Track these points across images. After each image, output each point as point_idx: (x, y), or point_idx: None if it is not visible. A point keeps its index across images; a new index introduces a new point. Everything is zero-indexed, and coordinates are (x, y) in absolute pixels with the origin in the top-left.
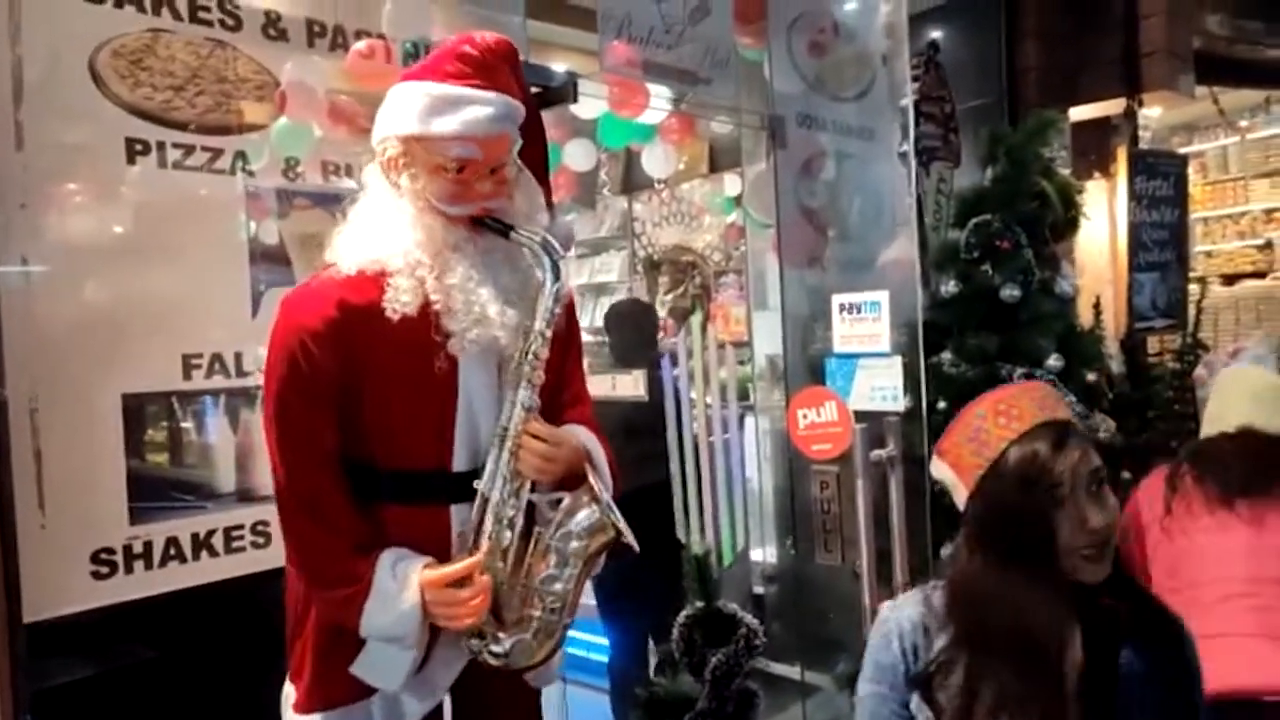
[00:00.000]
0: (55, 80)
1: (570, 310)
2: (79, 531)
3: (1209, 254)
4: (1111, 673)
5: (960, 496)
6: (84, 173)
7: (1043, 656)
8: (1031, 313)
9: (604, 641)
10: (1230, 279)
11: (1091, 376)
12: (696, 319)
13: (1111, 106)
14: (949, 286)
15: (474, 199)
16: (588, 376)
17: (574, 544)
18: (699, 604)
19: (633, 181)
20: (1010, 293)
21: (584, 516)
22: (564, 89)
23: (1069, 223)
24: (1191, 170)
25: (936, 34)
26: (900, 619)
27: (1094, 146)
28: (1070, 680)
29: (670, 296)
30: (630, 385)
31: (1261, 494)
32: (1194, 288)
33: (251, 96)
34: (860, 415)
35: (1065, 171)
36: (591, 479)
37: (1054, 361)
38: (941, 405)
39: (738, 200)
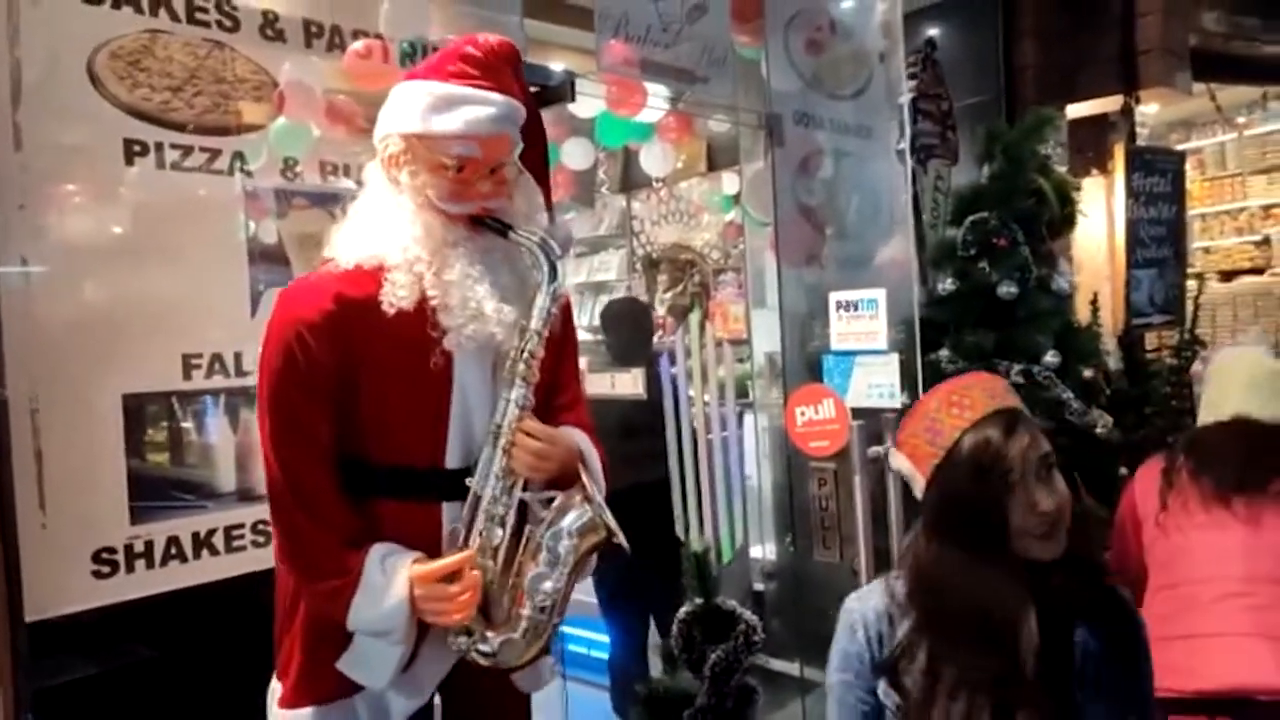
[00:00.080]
0: (53, 81)
1: (566, 314)
2: (80, 531)
3: (1207, 250)
4: (1067, 651)
5: (918, 486)
6: (82, 173)
7: (999, 636)
8: (1028, 310)
9: (604, 639)
10: (1228, 275)
11: (1089, 373)
12: (695, 317)
13: (1109, 103)
14: (946, 284)
15: (473, 198)
16: (586, 375)
17: (565, 543)
18: (698, 601)
19: (631, 180)
20: (1007, 290)
21: (576, 516)
22: (562, 88)
23: (1065, 220)
24: (1189, 167)
25: (934, 32)
26: (864, 609)
27: (1092, 143)
28: (1027, 658)
29: (669, 295)
30: (629, 383)
31: (1258, 491)
32: (1191, 284)
33: (249, 97)
34: (858, 412)
35: (1062, 169)
36: (584, 479)
37: (1051, 358)
38: None
39: (736, 198)
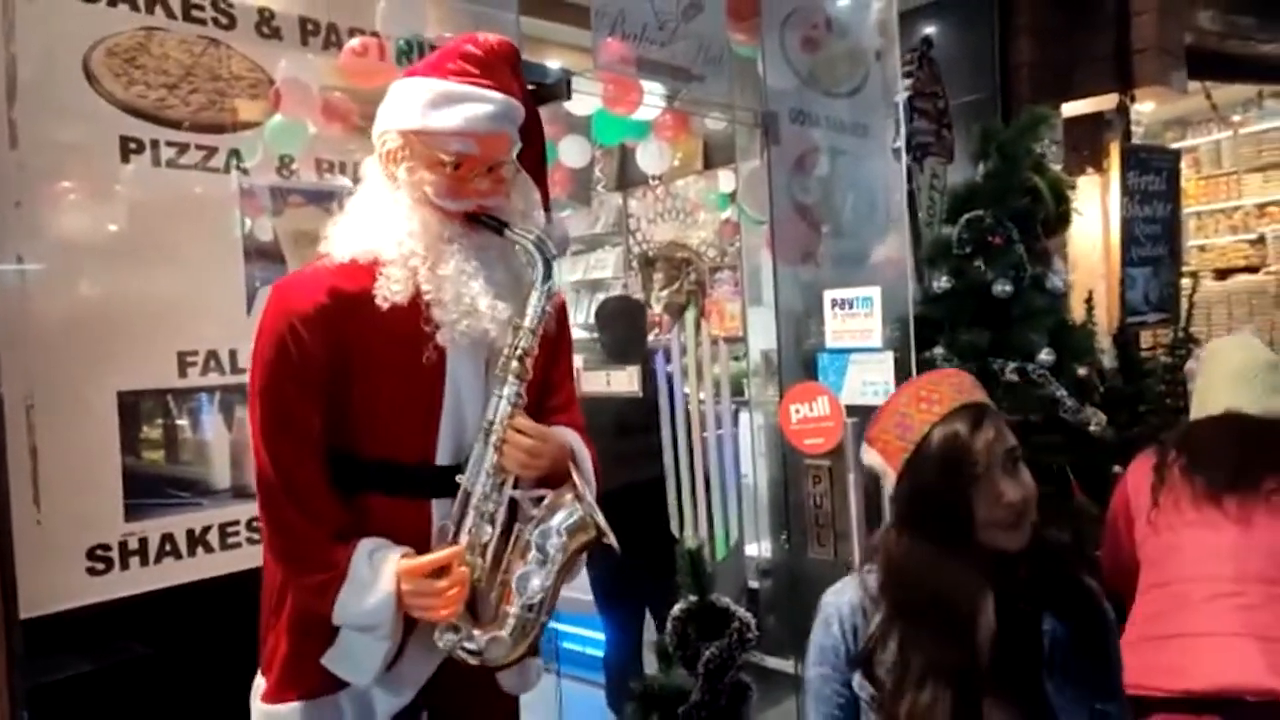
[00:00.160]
0: (49, 79)
1: (562, 315)
2: (75, 528)
3: (1202, 249)
4: (1035, 639)
5: (889, 481)
6: (78, 171)
7: (958, 624)
8: (1023, 308)
9: (599, 636)
10: (1223, 273)
11: (1083, 371)
12: (691, 315)
13: (1104, 102)
14: (941, 282)
15: (470, 195)
16: (582, 372)
17: (554, 542)
18: (693, 598)
19: (627, 178)
20: (1002, 288)
21: (565, 515)
22: (558, 86)
23: (1060, 218)
24: (1184, 165)
25: (930, 30)
26: (839, 603)
27: (1087, 142)
28: (983, 647)
29: (665, 292)
30: (624, 381)
31: (1250, 490)
32: (1186, 282)
33: (245, 94)
34: (852, 410)
35: (1057, 167)
36: (575, 477)
37: (1046, 356)
38: None
39: (732, 196)
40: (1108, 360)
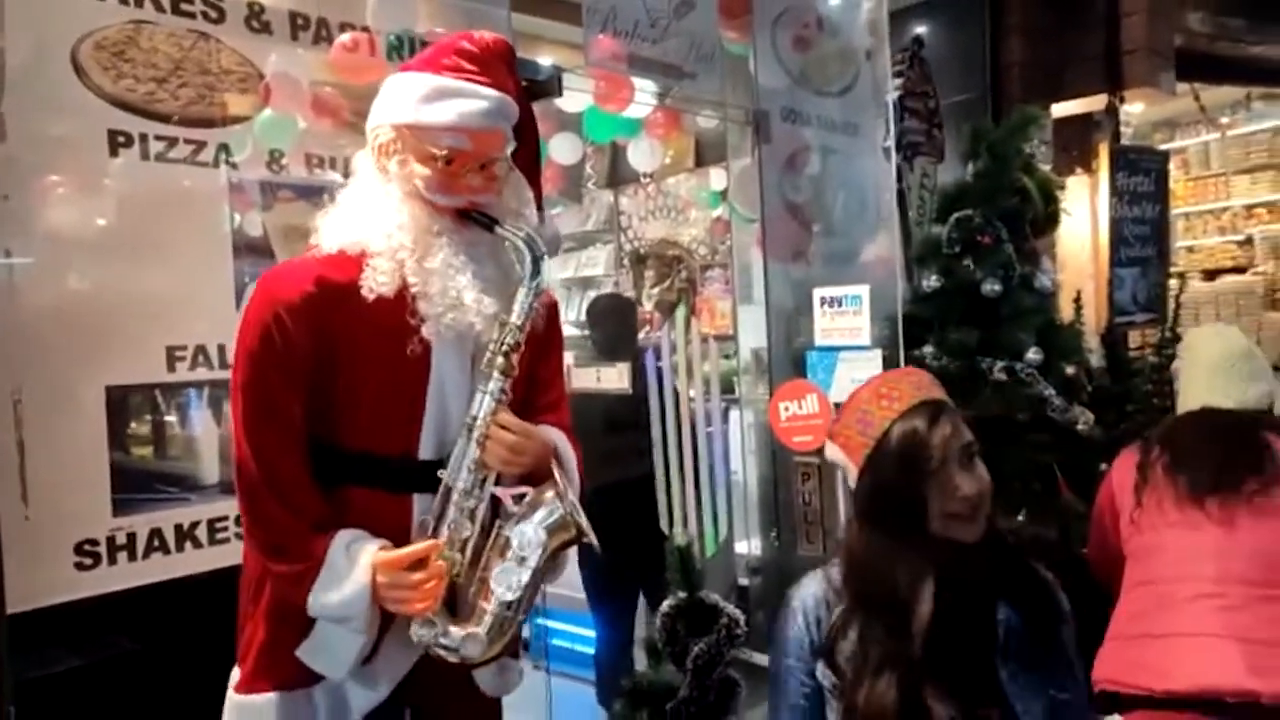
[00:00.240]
0: (38, 72)
1: (553, 314)
2: (62, 523)
3: (1190, 249)
4: (990, 629)
5: (851, 476)
6: (67, 165)
7: (901, 613)
8: (1012, 307)
9: (588, 633)
10: (1211, 274)
11: (1071, 370)
12: (681, 312)
13: (1094, 102)
14: (931, 280)
15: (461, 191)
16: (572, 369)
17: (533, 539)
18: (681, 594)
19: (619, 175)
20: (991, 287)
21: (546, 513)
22: (549, 83)
23: (1049, 218)
24: (1173, 166)
25: (921, 29)
26: (804, 596)
27: (1076, 142)
28: (917, 635)
29: (656, 290)
30: (614, 378)
31: (1231, 492)
32: (1174, 282)
33: (235, 89)
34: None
35: (1047, 167)
36: (557, 475)
37: (1034, 355)
38: None
39: (723, 194)
40: (1095, 360)
